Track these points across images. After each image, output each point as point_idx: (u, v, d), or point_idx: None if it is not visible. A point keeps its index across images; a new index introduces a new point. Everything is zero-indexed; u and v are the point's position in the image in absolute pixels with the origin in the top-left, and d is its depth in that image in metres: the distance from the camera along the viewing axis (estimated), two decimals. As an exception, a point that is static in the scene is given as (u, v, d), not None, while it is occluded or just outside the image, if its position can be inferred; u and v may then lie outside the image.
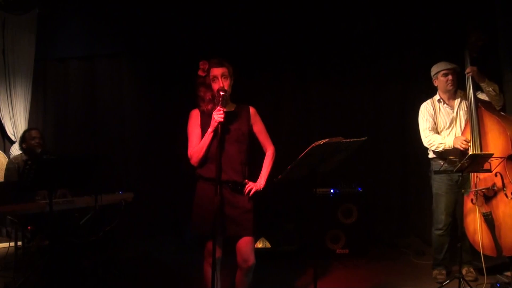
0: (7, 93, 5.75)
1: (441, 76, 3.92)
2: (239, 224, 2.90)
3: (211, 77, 2.90)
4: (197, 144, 2.91)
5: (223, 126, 2.80)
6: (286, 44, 5.40)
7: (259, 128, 3.07)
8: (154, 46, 5.63)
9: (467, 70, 3.78)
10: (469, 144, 3.68)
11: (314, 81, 5.51)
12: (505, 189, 3.56)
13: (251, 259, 2.93)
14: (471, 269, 3.97)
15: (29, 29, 5.71)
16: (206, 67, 2.92)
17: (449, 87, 3.90)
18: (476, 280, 3.87)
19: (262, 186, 2.98)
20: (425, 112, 4.00)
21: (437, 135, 3.93)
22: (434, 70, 3.99)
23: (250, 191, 2.92)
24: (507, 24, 4.40)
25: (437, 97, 4.00)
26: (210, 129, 2.84)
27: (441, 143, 3.85)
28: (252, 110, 3.07)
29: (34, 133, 4.55)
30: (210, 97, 2.92)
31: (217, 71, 2.89)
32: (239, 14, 5.33)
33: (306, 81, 5.52)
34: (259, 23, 5.33)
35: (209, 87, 2.92)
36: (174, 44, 5.54)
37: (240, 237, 2.93)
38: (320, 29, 5.29)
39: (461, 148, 3.69)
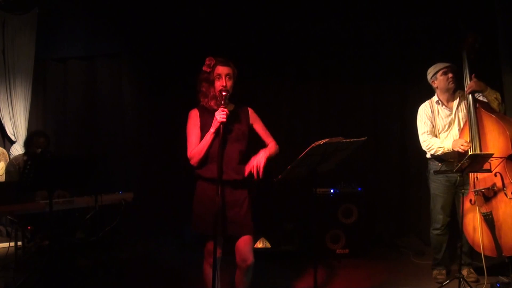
0: (7, 93, 5.76)
1: (441, 75, 3.89)
2: (238, 224, 2.90)
3: (215, 74, 2.91)
4: (197, 144, 2.90)
5: (224, 126, 2.80)
6: (286, 44, 5.40)
7: (259, 126, 3.07)
8: (154, 46, 5.63)
9: (467, 89, 3.74)
10: (469, 145, 3.67)
11: (314, 81, 5.51)
12: (505, 189, 3.55)
13: (250, 258, 2.93)
14: (472, 270, 3.96)
15: (29, 29, 5.72)
16: (212, 63, 2.92)
17: (450, 85, 3.88)
18: (477, 281, 3.86)
19: (264, 159, 2.85)
20: (423, 114, 3.98)
21: (435, 138, 3.92)
22: (431, 71, 3.96)
23: (257, 173, 2.79)
24: (507, 24, 4.39)
25: (435, 98, 3.98)
26: (212, 129, 2.83)
27: (440, 147, 3.84)
28: (250, 110, 3.07)
29: (41, 141, 4.44)
30: (213, 94, 2.92)
31: (222, 70, 2.90)
32: (239, 14, 5.33)
33: (306, 81, 5.52)
34: (259, 23, 5.33)
35: (212, 84, 2.92)
36: (174, 44, 5.54)
37: (239, 236, 2.93)
38: (320, 29, 5.28)
39: (461, 151, 3.68)
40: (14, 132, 5.77)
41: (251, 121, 3.04)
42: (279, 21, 5.31)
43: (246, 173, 2.86)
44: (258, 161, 2.85)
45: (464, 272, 3.90)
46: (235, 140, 2.92)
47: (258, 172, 2.83)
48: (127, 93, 5.85)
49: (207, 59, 2.94)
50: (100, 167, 3.71)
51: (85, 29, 5.75)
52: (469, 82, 3.75)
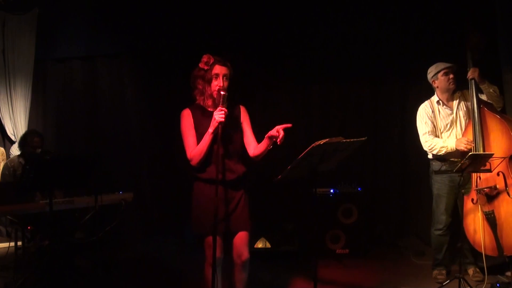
0: (7, 93, 5.75)
1: (442, 75, 3.90)
2: (234, 220, 2.91)
3: (212, 73, 2.87)
4: (195, 144, 2.87)
5: (222, 126, 2.78)
6: (285, 44, 5.40)
7: (247, 125, 3.01)
8: (154, 46, 5.62)
9: (469, 74, 3.76)
10: (472, 144, 3.67)
11: (314, 80, 5.50)
12: (507, 188, 3.56)
13: (245, 254, 2.94)
14: (478, 270, 3.95)
15: (29, 29, 5.71)
16: (211, 61, 2.88)
17: (451, 86, 3.89)
18: (483, 281, 3.84)
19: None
20: (424, 114, 3.97)
21: (437, 138, 3.90)
22: (432, 70, 3.96)
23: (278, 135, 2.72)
24: (507, 24, 4.39)
25: (435, 98, 3.97)
26: (210, 129, 2.79)
27: (443, 147, 3.82)
28: (242, 108, 3.05)
29: (36, 140, 4.47)
30: (209, 92, 2.89)
31: (220, 69, 2.87)
32: (239, 14, 5.33)
33: (305, 80, 5.52)
34: (259, 22, 5.32)
35: (208, 83, 2.89)
36: (175, 43, 5.54)
37: (236, 232, 2.94)
38: (320, 29, 5.28)
39: (465, 149, 3.67)
40: (14, 132, 5.77)
41: (241, 119, 3.01)
42: (279, 20, 5.30)
43: (268, 136, 2.75)
44: (279, 129, 2.72)
45: (470, 271, 3.94)
46: (231, 140, 2.91)
47: (277, 137, 2.71)
48: (128, 93, 5.84)
49: (205, 56, 2.90)
50: (100, 167, 3.71)
51: (86, 29, 5.75)
52: (473, 81, 3.75)
